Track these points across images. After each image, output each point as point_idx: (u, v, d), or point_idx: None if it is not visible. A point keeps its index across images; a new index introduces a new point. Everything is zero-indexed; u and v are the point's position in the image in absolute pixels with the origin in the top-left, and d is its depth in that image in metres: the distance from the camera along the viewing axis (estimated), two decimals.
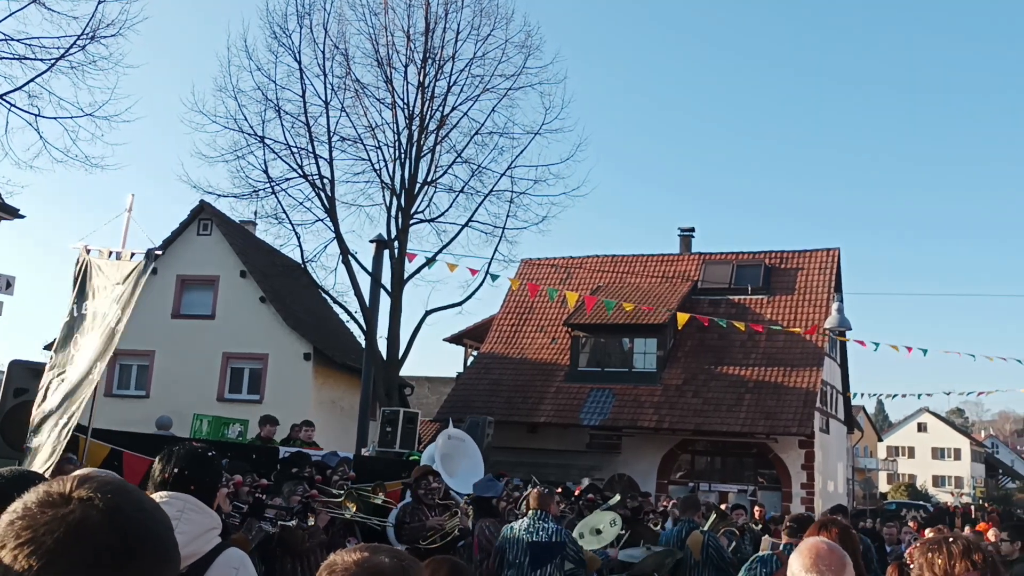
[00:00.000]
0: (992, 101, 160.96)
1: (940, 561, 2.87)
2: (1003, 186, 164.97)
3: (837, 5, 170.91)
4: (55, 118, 15.91)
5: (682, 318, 20.06)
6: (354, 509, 8.36)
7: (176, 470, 3.12)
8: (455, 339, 33.46)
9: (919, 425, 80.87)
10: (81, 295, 7.29)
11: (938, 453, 78.59)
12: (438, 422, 25.90)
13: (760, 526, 13.40)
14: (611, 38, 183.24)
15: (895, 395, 31.98)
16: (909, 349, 20.96)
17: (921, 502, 46.52)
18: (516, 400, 26.54)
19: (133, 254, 7.36)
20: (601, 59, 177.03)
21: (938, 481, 75.26)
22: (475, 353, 31.41)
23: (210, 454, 3.27)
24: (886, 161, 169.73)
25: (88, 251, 7.51)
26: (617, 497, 10.04)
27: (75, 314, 7.22)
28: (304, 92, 23.22)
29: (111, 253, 7.49)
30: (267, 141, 22.98)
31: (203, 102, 36.86)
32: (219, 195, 23.38)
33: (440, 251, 24.02)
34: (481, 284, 22.84)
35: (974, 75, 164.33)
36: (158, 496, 3.08)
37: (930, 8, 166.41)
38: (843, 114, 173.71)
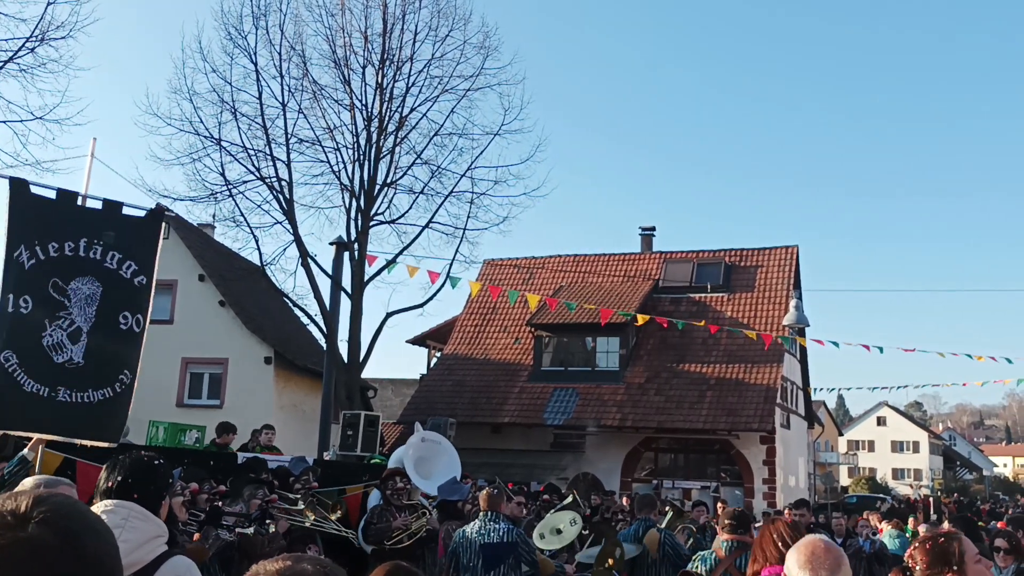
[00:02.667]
0: (951, 103, 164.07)
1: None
2: (957, 188, 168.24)
3: (798, 9, 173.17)
4: (4, 122, 15.65)
5: (642, 319, 20.17)
6: (312, 517, 8.29)
7: (120, 478, 3.09)
8: (418, 340, 33.34)
9: (878, 419, 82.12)
10: (30, 234, 6.51)
11: (897, 446, 79.85)
12: (402, 424, 25.79)
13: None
14: (571, 39, 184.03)
15: (850, 388, 32.38)
16: (867, 347, 21.26)
17: (881, 495, 47.20)
18: (480, 401, 26.51)
19: (114, 202, 6.98)
20: (560, 60, 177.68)
21: (897, 474, 76.48)
22: (438, 354, 31.33)
23: (156, 462, 3.23)
24: (843, 160, 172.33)
25: (26, 184, 6.78)
26: (572, 496, 10.04)
27: (41, 256, 6.57)
28: (260, 94, 23.02)
29: (77, 195, 6.97)
30: (223, 144, 22.75)
31: (157, 105, 36.37)
32: (175, 198, 23.11)
33: (400, 252, 23.96)
34: (442, 286, 22.79)
35: (935, 77, 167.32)
36: (103, 504, 3.04)
37: (899, 12, 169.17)
38: (801, 115, 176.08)
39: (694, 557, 6.18)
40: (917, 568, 3.05)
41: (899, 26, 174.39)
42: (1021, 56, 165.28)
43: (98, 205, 6.95)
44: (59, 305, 6.49)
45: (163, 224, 7.10)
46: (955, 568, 3.01)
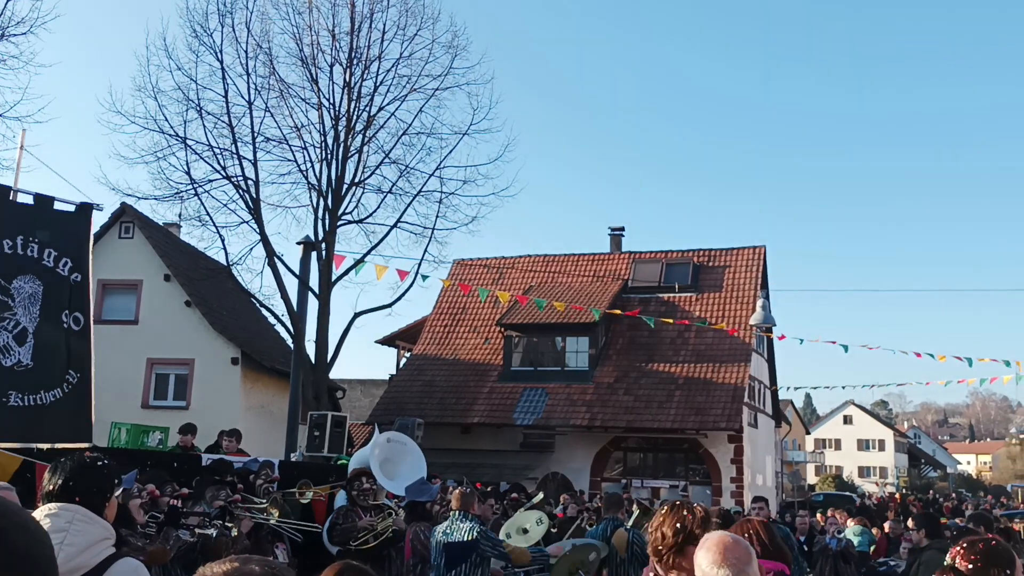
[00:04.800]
0: (921, 100, 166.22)
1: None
2: (924, 189, 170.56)
3: (769, 11, 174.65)
4: None
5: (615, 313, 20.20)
6: (277, 515, 8.20)
7: (60, 481, 3.01)
8: (387, 341, 33.20)
9: (845, 418, 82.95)
10: None
11: (863, 444, 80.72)
12: (371, 425, 25.66)
13: None
14: (538, 38, 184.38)
15: (817, 387, 32.69)
16: (833, 343, 21.48)
17: (848, 493, 47.70)
18: (449, 401, 26.45)
19: (45, 197, 6.86)
20: (528, 59, 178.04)
21: (863, 472, 77.31)
22: (408, 355, 31.21)
23: (100, 463, 3.15)
24: (811, 161, 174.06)
25: None
26: (541, 495, 10.03)
27: None
28: (227, 92, 22.83)
29: (9, 189, 6.84)
30: (189, 142, 22.55)
31: (121, 102, 36.01)
32: (140, 197, 22.87)
33: (369, 252, 23.85)
34: (411, 285, 22.73)
35: (906, 72, 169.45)
36: (47, 508, 2.97)
37: (872, 9, 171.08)
38: (768, 116, 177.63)
39: None
40: (969, 567, 3.01)
41: (871, 27, 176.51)
42: (985, 61, 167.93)
43: (29, 200, 6.85)
44: (3, 306, 6.35)
45: (91, 217, 7.01)
46: (1008, 572, 2.99)
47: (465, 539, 7.24)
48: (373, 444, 11.04)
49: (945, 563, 3.16)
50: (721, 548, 2.84)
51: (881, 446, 79.90)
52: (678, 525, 3.39)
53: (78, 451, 3.35)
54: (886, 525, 16.49)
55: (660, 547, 3.40)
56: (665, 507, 3.56)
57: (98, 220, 26.60)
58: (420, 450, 11.46)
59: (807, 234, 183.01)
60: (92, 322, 6.87)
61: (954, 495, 47.24)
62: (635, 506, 10.59)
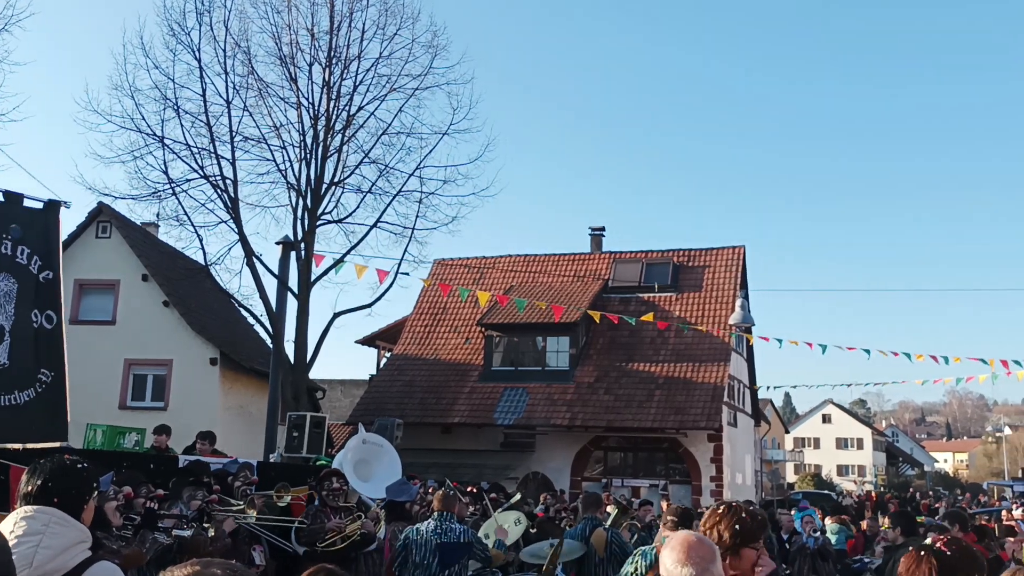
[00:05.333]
0: (900, 98, 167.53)
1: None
2: (901, 186, 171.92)
3: (751, 11, 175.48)
4: None
5: (594, 315, 20.28)
6: (255, 514, 8.17)
7: (39, 482, 3.00)
8: (367, 341, 33.11)
9: (824, 416, 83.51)
10: None
11: (842, 443, 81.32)
12: (351, 425, 25.58)
13: None
14: (519, 37, 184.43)
15: (796, 386, 32.84)
16: (811, 345, 21.55)
17: (827, 491, 47.98)
18: (429, 401, 26.42)
19: (15, 194, 6.83)
20: (509, 60, 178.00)
21: (842, 470, 77.88)
22: (388, 355, 31.14)
23: (79, 466, 3.13)
24: (789, 160, 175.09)
25: None
26: (519, 496, 10.05)
27: None
28: (204, 91, 22.67)
29: None
30: (166, 141, 22.37)
31: (98, 101, 35.70)
32: (117, 197, 22.67)
33: (348, 252, 23.76)
34: (391, 285, 22.65)
35: (889, 71, 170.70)
36: (24, 511, 2.95)
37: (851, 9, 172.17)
38: (748, 115, 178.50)
39: (634, 552, 6.21)
40: (948, 554, 3.05)
41: (852, 24, 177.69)
42: (973, 60, 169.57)
43: None
44: None
45: (60, 214, 6.98)
46: None
47: (460, 540, 7.31)
48: (347, 446, 11.03)
49: (926, 543, 3.21)
50: (685, 547, 2.86)
51: (859, 444, 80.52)
52: (737, 527, 3.36)
53: (57, 453, 3.32)
54: (863, 523, 16.63)
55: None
56: (722, 507, 3.55)
57: (75, 219, 26.43)
58: (395, 451, 11.46)
59: (787, 233, 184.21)
60: (65, 320, 6.82)
61: (931, 493, 47.61)
62: (610, 505, 10.59)
